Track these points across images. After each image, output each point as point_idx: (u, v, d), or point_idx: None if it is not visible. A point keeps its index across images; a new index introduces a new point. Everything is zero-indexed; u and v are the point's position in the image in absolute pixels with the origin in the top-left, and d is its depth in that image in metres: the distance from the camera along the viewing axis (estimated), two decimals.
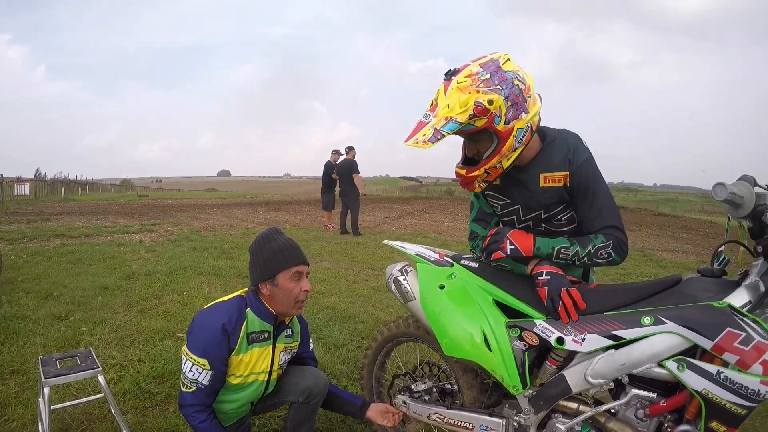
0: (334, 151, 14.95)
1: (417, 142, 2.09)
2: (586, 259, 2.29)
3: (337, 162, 14.69)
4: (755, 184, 1.99)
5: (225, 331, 2.42)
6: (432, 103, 2.17)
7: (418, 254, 2.83)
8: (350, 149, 14.31)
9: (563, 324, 2.24)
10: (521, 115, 2.18)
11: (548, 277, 2.27)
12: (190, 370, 2.40)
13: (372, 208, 24.58)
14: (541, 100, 2.32)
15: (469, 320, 2.43)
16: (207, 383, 2.42)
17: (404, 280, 2.78)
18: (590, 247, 2.29)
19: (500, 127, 2.16)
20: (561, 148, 2.35)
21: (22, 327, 5.06)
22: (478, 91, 2.09)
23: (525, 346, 2.34)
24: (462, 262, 2.66)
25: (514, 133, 2.20)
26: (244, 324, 2.50)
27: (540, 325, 2.29)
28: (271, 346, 2.61)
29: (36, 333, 4.90)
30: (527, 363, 2.37)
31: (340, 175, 14.24)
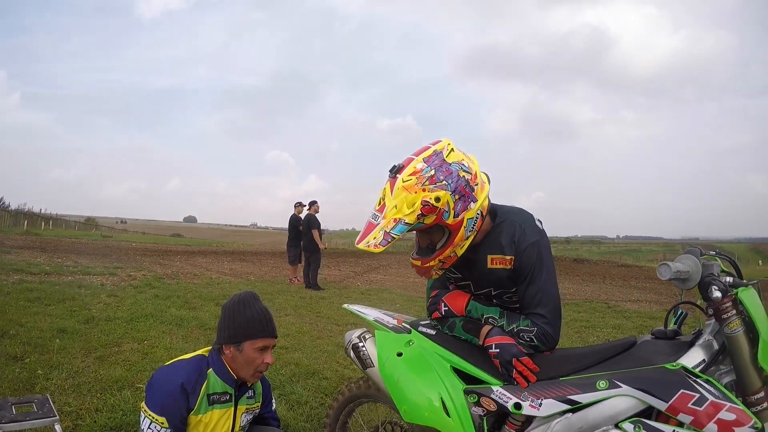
0: (298, 203, 15.01)
1: (368, 246, 2.14)
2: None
3: (301, 215, 14.76)
4: (701, 254, 2.08)
5: (184, 390, 2.37)
6: (379, 202, 2.21)
7: (376, 320, 2.86)
8: (313, 203, 14.35)
9: (520, 390, 2.26)
10: (470, 205, 2.23)
11: (498, 350, 2.30)
12: (149, 428, 2.35)
13: (338, 262, 24.51)
14: (489, 182, 2.37)
15: (428, 386, 2.44)
16: None
17: (363, 346, 2.80)
18: (515, 325, 2.34)
19: (450, 221, 2.21)
20: (509, 230, 2.39)
21: None
22: (423, 190, 2.13)
23: (483, 411, 2.35)
24: (420, 329, 2.68)
25: (464, 224, 2.25)
26: (205, 384, 2.45)
27: (497, 391, 2.31)
28: (233, 408, 2.56)
29: None
30: (486, 428, 2.38)
31: (304, 228, 14.24)
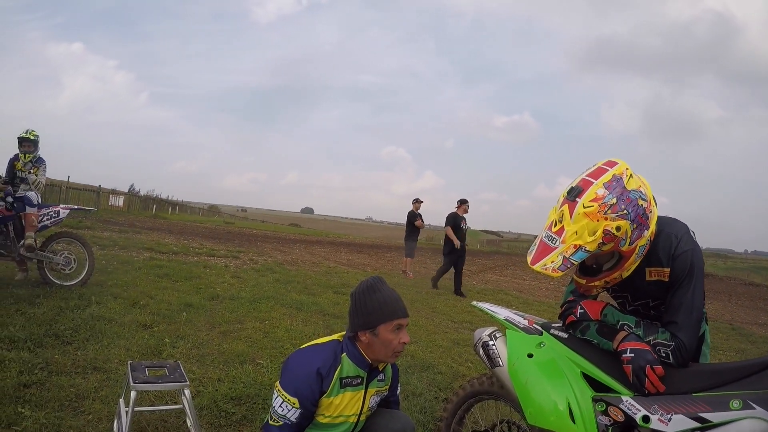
0: (415, 200, 15.07)
1: (546, 269, 2.15)
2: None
3: (419, 210, 14.94)
4: None
5: (319, 375, 2.44)
6: (554, 222, 2.21)
7: (507, 319, 2.85)
8: (463, 202, 13.25)
9: (650, 402, 2.21)
10: (644, 233, 2.22)
11: (632, 354, 2.24)
12: (280, 406, 2.42)
13: None
14: (656, 205, 2.34)
15: (556, 390, 2.43)
16: (294, 420, 2.41)
17: (493, 345, 2.79)
18: (652, 337, 2.29)
19: (625, 248, 2.20)
20: (666, 242, 2.33)
21: (107, 329, 5.29)
22: (606, 218, 2.12)
23: (610, 421, 2.32)
24: (552, 331, 2.66)
25: (636, 251, 2.24)
26: (339, 369, 2.50)
27: (626, 401, 2.27)
28: (363, 391, 2.61)
29: (121, 336, 5.11)
30: None
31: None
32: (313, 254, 18.95)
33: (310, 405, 2.43)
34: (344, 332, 2.62)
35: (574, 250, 2.12)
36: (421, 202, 15.03)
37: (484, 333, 2.88)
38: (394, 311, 2.48)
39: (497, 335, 2.84)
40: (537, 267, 2.16)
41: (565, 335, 2.60)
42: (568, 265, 2.12)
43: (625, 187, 2.16)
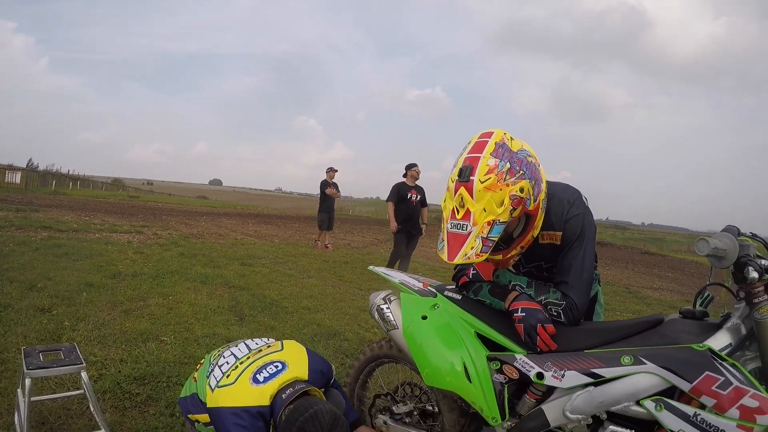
0: (329, 168, 14.67)
1: (468, 258, 2.08)
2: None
3: (333, 179, 14.57)
4: (739, 234, 2.03)
5: None
6: (455, 210, 2.13)
7: (402, 283, 2.85)
8: (410, 167, 10.11)
9: (543, 360, 2.26)
10: (541, 186, 2.23)
11: (523, 314, 2.27)
12: None
13: (362, 229, 24.60)
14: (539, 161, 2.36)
15: (451, 351, 2.45)
16: None
17: (387, 308, 2.79)
18: (543, 297, 2.32)
19: (531, 207, 2.19)
20: (558, 206, 2.37)
21: (3, 315, 5.04)
22: (507, 185, 2.08)
23: (505, 379, 2.36)
24: (445, 293, 2.67)
25: (540, 206, 2.25)
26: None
27: (520, 359, 2.31)
28: None
29: (18, 323, 4.86)
30: (507, 395, 2.39)
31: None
32: (219, 226, 18.70)
33: None
34: (274, 384, 2.46)
35: (489, 227, 2.08)
36: (336, 170, 14.63)
37: (379, 297, 2.89)
38: None
39: (392, 299, 2.85)
40: (458, 259, 2.09)
41: (458, 297, 2.62)
42: (489, 245, 2.08)
43: (511, 150, 2.15)
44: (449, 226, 2.14)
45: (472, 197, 2.08)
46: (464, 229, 2.09)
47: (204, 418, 2.54)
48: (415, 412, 2.92)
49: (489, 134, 2.20)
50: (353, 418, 2.84)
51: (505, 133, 2.21)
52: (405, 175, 10.06)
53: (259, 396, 2.42)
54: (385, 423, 2.93)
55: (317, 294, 7.86)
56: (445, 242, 2.14)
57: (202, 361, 2.77)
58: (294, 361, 2.61)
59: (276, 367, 2.54)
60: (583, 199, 2.42)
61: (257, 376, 2.49)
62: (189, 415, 2.63)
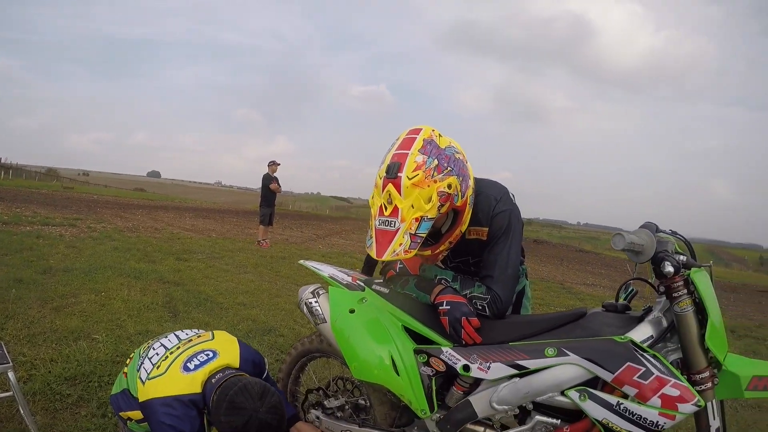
0: (271, 162, 14.24)
1: (396, 255, 2.09)
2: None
3: (275, 174, 14.22)
4: (657, 230, 2.09)
5: None
6: (383, 207, 2.13)
7: (331, 277, 2.86)
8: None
9: (469, 352, 2.29)
10: (468, 183, 2.25)
11: (448, 307, 2.30)
12: None
13: (300, 225, 24.53)
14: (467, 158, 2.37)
15: (378, 345, 2.46)
16: None
17: (316, 302, 2.79)
18: (468, 291, 2.36)
19: (459, 203, 2.21)
20: (485, 203, 2.39)
21: None
22: (435, 181, 2.10)
23: (432, 371, 2.39)
24: (373, 287, 2.69)
25: (468, 201, 2.27)
26: (204, 423, 2.42)
27: (447, 352, 2.34)
28: None
29: None
30: (434, 388, 2.42)
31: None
32: (156, 220, 18.39)
33: None
34: (205, 371, 2.44)
35: (417, 223, 2.09)
36: (278, 164, 14.21)
37: (308, 290, 2.88)
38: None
39: (320, 292, 2.83)
40: (386, 256, 2.09)
41: (386, 290, 2.62)
42: (418, 241, 2.09)
43: (439, 147, 2.16)
44: (377, 222, 2.14)
45: (400, 194, 2.08)
46: (392, 225, 2.10)
47: (136, 414, 2.50)
48: (347, 406, 2.93)
49: (417, 131, 2.22)
50: (290, 414, 2.83)
51: (433, 130, 2.23)
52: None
53: (190, 384, 2.39)
54: (317, 418, 2.92)
55: (253, 289, 7.80)
56: (374, 239, 2.15)
57: (131, 356, 2.72)
58: (225, 349, 2.60)
59: (207, 355, 2.52)
60: (510, 196, 2.45)
61: (188, 364, 2.46)
62: (121, 413, 2.58)
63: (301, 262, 3.20)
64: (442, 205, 2.12)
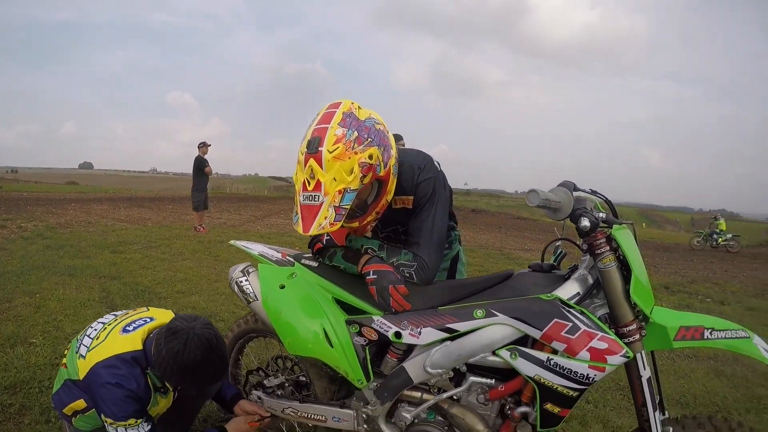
0: (202, 143, 13.65)
1: (322, 228, 2.08)
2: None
3: (206, 156, 13.63)
4: (575, 189, 2.11)
5: (137, 396, 2.35)
6: (306, 183, 2.12)
7: (261, 254, 2.85)
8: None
9: (400, 319, 2.31)
10: (391, 152, 2.25)
11: (375, 276, 2.31)
12: None
13: (238, 207, 24.30)
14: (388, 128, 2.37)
15: (310, 318, 2.47)
16: (147, 428, 2.38)
17: (246, 281, 2.77)
18: (395, 259, 2.38)
19: (382, 173, 2.21)
20: (409, 172, 2.41)
21: None
22: (356, 153, 2.09)
23: (365, 341, 2.41)
24: (303, 261, 2.69)
25: (392, 171, 2.28)
26: (149, 382, 2.42)
27: (378, 320, 2.36)
28: (172, 393, 2.62)
29: None
30: (369, 357, 2.45)
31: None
32: (89, 213, 17.89)
33: (146, 413, 2.40)
34: (144, 329, 2.49)
35: (341, 195, 2.08)
36: (209, 145, 13.61)
37: (237, 270, 2.86)
38: (216, 380, 2.43)
39: (250, 270, 2.82)
40: (313, 230, 2.08)
41: (315, 264, 2.63)
42: (343, 213, 2.09)
43: (358, 119, 2.16)
44: (301, 198, 2.13)
45: (321, 168, 2.07)
46: (316, 200, 2.09)
47: (80, 404, 2.45)
48: (287, 384, 2.94)
49: (336, 105, 2.21)
50: (232, 393, 2.89)
51: (352, 103, 2.23)
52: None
53: (131, 342, 2.41)
54: (259, 398, 2.93)
55: (192, 276, 7.71)
56: (299, 215, 2.13)
57: (69, 347, 2.66)
58: (162, 315, 2.63)
59: (145, 321, 2.54)
60: (435, 163, 2.47)
61: (127, 328, 2.48)
62: (64, 410, 2.52)
63: (232, 242, 3.18)
64: (364, 176, 2.12)
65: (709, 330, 2.03)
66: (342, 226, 2.31)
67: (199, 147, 13.62)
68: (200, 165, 13.58)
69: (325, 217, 2.08)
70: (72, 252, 9.18)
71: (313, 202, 2.10)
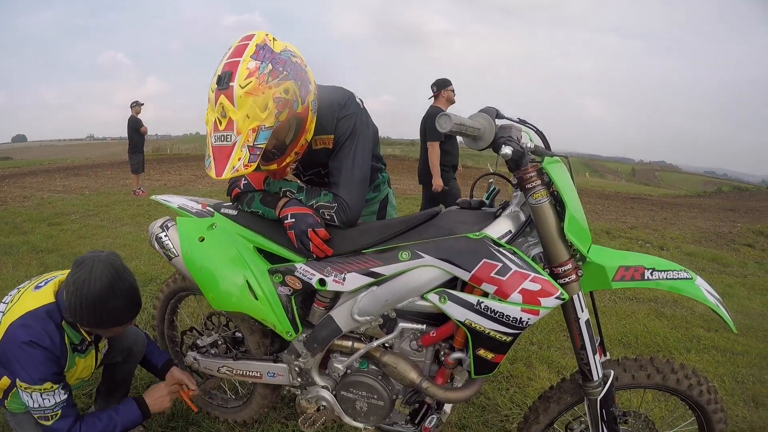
0: (134, 102, 13.18)
1: (236, 171, 1.94)
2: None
3: (139, 115, 13.22)
4: (499, 116, 1.94)
5: (53, 355, 2.18)
6: (217, 122, 1.97)
7: (181, 207, 2.72)
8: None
9: (323, 265, 2.22)
10: (309, 87, 2.12)
11: (293, 220, 2.21)
12: (43, 399, 2.18)
13: (179, 168, 23.82)
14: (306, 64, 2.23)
15: (232, 271, 2.36)
16: (65, 398, 2.24)
17: (165, 236, 2.64)
18: (314, 201, 2.27)
19: (299, 109, 2.08)
20: (329, 110, 2.28)
21: None
22: (270, 87, 1.95)
23: (290, 290, 2.32)
24: (222, 210, 2.57)
25: (310, 107, 2.15)
26: (65, 339, 2.26)
27: (301, 268, 2.27)
28: (94, 351, 2.45)
29: None
30: (295, 307, 2.37)
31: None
32: (23, 188, 17.21)
33: (62, 377, 2.25)
34: (55, 281, 2.34)
35: (255, 133, 1.94)
36: (142, 104, 13.17)
37: (156, 225, 2.72)
38: (130, 316, 2.27)
39: (169, 225, 2.68)
40: (226, 174, 1.94)
41: (234, 212, 2.51)
42: (258, 153, 1.95)
43: (273, 51, 2.01)
44: (213, 139, 1.99)
45: (233, 105, 1.92)
46: (228, 140, 1.95)
47: (3, 382, 2.28)
48: (221, 341, 2.85)
49: (250, 37, 2.05)
50: (163, 360, 2.78)
51: (267, 35, 2.07)
52: (435, 96, 6.88)
53: (43, 296, 2.28)
54: (195, 359, 2.83)
55: (131, 242, 7.54)
56: (211, 158, 1.99)
57: None
58: None
59: (56, 277, 2.40)
60: (357, 100, 2.36)
61: (39, 285, 2.35)
62: None
63: (152, 197, 3.00)
64: (280, 113, 1.99)
65: (650, 270, 1.95)
66: (260, 169, 2.24)
67: (131, 107, 13.26)
68: (134, 125, 13.23)
69: (239, 158, 1.94)
70: (7, 229, 8.77)
71: (225, 142, 1.96)
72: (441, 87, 6.76)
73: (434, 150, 6.52)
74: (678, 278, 1.97)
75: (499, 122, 1.95)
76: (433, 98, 6.82)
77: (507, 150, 1.85)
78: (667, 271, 1.97)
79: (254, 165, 1.96)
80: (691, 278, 1.98)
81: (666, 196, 25.93)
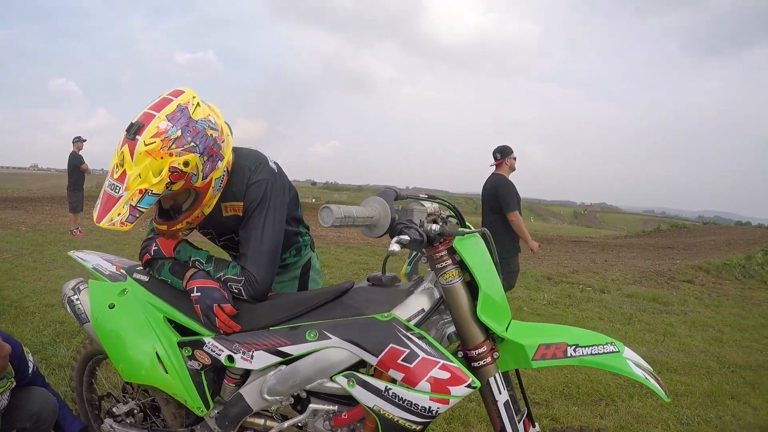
0: (77, 138, 12.95)
1: (113, 224, 1.88)
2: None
3: (81, 151, 12.88)
4: (398, 197, 1.91)
5: None
6: (116, 167, 1.92)
7: (95, 268, 2.63)
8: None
9: (231, 341, 2.15)
10: (217, 164, 2.08)
11: (199, 294, 2.14)
12: None
13: None
14: (231, 133, 2.21)
15: (142, 341, 2.28)
16: None
17: (77, 299, 2.54)
18: (221, 273, 2.20)
19: (198, 184, 2.04)
20: (239, 175, 2.24)
21: None
22: (171, 154, 1.90)
23: (199, 365, 2.24)
24: (135, 275, 2.47)
25: (212, 184, 2.10)
26: None
27: (210, 343, 2.18)
28: None
29: None
30: (205, 383, 2.28)
31: None
32: None
33: None
34: None
35: (140, 195, 1.89)
36: (84, 140, 12.85)
37: (68, 286, 2.61)
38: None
39: (81, 287, 2.58)
40: (104, 223, 1.89)
41: (146, 278, 2.42)
42: (137, 215, 1.89)
43: (191, 117, 1.96)
44: (107, 184, 1.94)
45: (131, 158, 1.88)
46: (117, 191, 1.90)
47: None
48: (137, 410, 2.72)
49: (179, 93, 2.02)
50: (77, 427, 2.64)
51: (194, 96, 2.04)
52: (498, 165, 6.60)
53: None
54: (111, 427, 2.69)
55: (62, 287, 7.27)
56: (100, 201, 1.94)
57: None
58: None
59: None
60: (271, 165, 2.32)
61: None
62: None
63: (70, 253, 2.89)
64: (172, 183, 1.94)
65: (573, 347, 1.88)
66: (154, 228, 2.23)
67: (74, 142, 12.98)
68: (75, 162, 12.91)
69: (119, 214, 1.89)
70: None
71: (113, 192, 1.91)
72: (504, 155, 6.54)
73: (517, 218, 6.21)
74: (603, 353, 1.89)
75: (401, 205, 1.93)
76: (494, 165, 6.60)
77: (405, 237, 1.75)
78: (592, 346, 1.90)
79: (130, 226, 1.90)
80: (618, 351, 1.92)
81: (607, 237, 26.46)
